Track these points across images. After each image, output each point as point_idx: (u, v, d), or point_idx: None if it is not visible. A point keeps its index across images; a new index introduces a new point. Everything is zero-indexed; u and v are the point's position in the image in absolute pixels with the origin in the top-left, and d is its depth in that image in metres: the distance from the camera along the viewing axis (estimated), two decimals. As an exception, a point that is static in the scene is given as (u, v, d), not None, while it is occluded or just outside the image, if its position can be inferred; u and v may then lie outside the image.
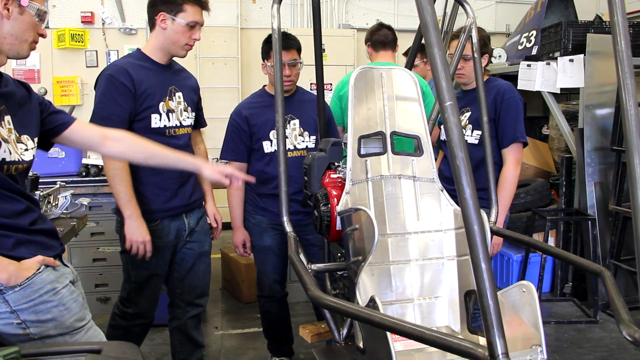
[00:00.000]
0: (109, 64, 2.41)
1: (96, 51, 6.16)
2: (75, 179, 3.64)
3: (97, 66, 6.12)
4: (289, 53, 2.70)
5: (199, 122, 2.70)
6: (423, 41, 1.27)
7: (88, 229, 3.55)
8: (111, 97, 2.30)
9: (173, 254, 2.56)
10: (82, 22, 6.09)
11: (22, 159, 1.64)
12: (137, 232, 2.34)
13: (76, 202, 2.88)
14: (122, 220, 2.42)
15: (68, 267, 1.76)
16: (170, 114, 2.44)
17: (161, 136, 2.39)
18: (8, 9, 1.55)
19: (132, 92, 2.32)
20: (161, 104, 2.40)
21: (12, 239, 1.59)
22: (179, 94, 2.48)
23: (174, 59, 2.53)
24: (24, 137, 1.66)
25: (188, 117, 2.53)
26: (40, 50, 5.88)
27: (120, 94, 2.31)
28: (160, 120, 2.40)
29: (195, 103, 2.60)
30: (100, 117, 2.30)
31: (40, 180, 2.75)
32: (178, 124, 2.47)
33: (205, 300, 2.75)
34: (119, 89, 2.30)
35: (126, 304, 2.56)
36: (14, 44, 1.60)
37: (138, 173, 2.39)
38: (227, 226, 2.78)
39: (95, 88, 2.39)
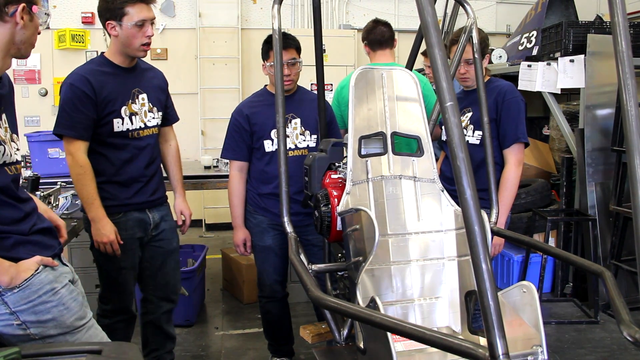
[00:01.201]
0: (71, 71, 2.45)
1: (97, 52, 6.14)
2: (75, 180, 3.64)
3: (97, 67, 6.13)
4: (287, 52, 2.70)
5: (169, 119, 2.73)
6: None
7: (88, 229, 3.55)
8: (73, 105, 2.35)
9: (142, 249, 2.60)
10: (82, 22, 6.10)
11: (17, 159, 1.65)
12: (102, 234, 2.39)
13: (76, 202, 2.88)
14: (87, 217, 2.48)
15: (67, 266, 1.76)
16: (133, 117, 2.48)
17: (125, 139, 2.47)
18: (23, 18, 1.57)
19: (93, 100, 2.36)
20: (123, 108, 2.45)
21: (10, 239, 1.59)
22: (143, 95, 2.52)
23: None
24: (14, 137, 1.68)
25: (153, 118, 2.57)
26: (40, 50, 5.91)
27: (82, 102, 2.35)
28: (122, 124, 2.45)
29: (162, 102, 2.63)
30: (64, 126, 2.37)
31: (40, 181, 2.76)
32: (142, 126, 2.51)
33: (178, 295, 2.80)
34: (80, 97, 2.35)
35: (103, 300, 2.61)
36: (22, 48, 1.63)
37: (103, 172, 2.45)
38: (227, 226, 2.78)
39: (59, 94, 2.44)
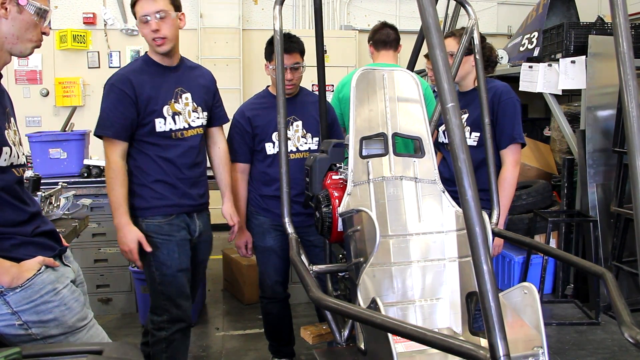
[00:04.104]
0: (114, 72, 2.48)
1: (98, 52, 6.17)
2: (76, 180, 3.65)
3: (99, 67, 6.14)
4: (291, 56, 2.67)
5: (217, 119, 2.68)
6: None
7: (89, 229, 3.55)
8: (113, 105, 2.37)
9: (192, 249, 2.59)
10: (84, 23, 6.11)
11: (23, 162, 1.65)
12: (122, 242, 2.38)
13: (77, 203, 2.88)
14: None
15: (69, 267, 1.76)
16: (176, 116, 2.44)
17: (167, 139, 2.44)
18: (6, 8, 1.54)
19: (133, 99, 2.36)
20: (165, 107, 2.42)
21: (12, 240, 1.59)
22: (187, 95, 2.48)
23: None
24: (21, 140, 1.68)
25: (198, 118, 2.52)
26: (42, 51, 5.90)
27: (122, 102, 2.36)
28: (165, 124, 2.42)
29: (207, 102, 2.58)
30: (104, 126, 2.38)
31: (42, 181, 2.76)
32: (186, 126, 2.48)
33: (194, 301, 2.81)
34: (120, 97, 2.36)
35: (158, 312, 2.50)
36: (15, 43, 1.59)
37: (151, 171, 2.44)
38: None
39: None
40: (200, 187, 2.58)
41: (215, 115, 2.66)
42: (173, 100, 2.44)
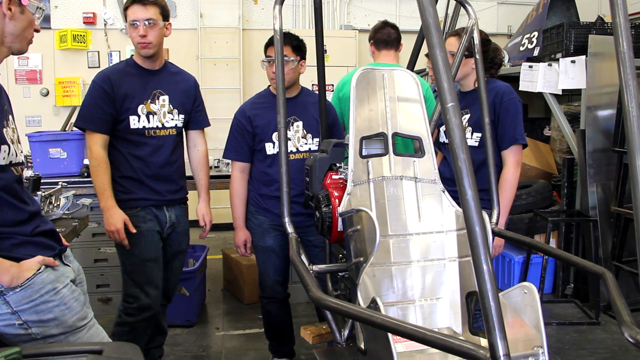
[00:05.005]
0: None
1: (98, 52, 6.16)
2: (76, 180, 3.65)
3: (99, 67, 6.13)
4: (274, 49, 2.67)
5: (198, 122, 2.82)
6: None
7: (89, 229, 3.55)
8: (93, 101, 2.55)
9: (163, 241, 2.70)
10: (84, 22, 6.10)
11: (21, 161, 1.65)
12: (109, 222, 2.51)
13: (77, 202, 2.88)
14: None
15: (69, 266, 1.76)
16: (150, 116, 2.60)
17: (141, 136, 2.60)
18: (10, 9, 1.56)
19: (111, 96, 2.54)
20: (140, 106, 2.58)
21: (11, 240, 1.59)
22: (164, 97, 2.64)
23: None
24: (19, 138, 1.68)
25: (172, 119, 2.67)
26: (42, 50, 5.91)
27: (101, 98, 2.54)
28: (138, 121, 2.58)
29: (185, 106, 2.72)
30: (84, 119, 2.58)
31: (42, 181, 2.77)
32: (159, 126, 2.63)
33: (174, 294, 2.91)
34: (100, 93, 2.54)
35: (129, 299, 2.63)
36: (15, 42, 1.62)
37: (119, 167, 2.60)
38: (228, 227, 2.79)
39: None
40: (171, 185, 2.69)
41: (195, 119, 2.80)
42: (149, 100, 2.60)
